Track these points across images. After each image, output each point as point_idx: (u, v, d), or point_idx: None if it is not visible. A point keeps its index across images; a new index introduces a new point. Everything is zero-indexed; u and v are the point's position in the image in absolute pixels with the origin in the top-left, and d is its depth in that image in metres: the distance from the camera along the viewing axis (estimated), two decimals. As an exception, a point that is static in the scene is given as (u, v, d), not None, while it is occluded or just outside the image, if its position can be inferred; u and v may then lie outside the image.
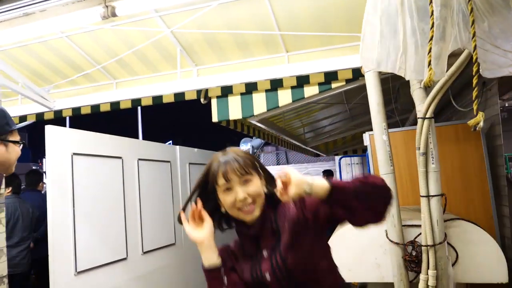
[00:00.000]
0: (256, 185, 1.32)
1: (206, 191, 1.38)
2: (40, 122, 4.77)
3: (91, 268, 3.37)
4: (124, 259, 3.78)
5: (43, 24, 2.71)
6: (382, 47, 1.50)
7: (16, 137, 1.75)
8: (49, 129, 3.19)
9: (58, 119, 4.98)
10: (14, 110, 4.45)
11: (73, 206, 3.26)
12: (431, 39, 1.31)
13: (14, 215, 4.48)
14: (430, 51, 1.31)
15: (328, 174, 9.07)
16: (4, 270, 2.54)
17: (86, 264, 3.32)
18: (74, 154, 3.34)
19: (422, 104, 2.32)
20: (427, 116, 2.27)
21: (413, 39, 1.46)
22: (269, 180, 1.38)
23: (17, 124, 1.78)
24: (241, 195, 1.29)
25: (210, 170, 1.36)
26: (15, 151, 1.74)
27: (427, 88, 2.39)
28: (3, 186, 2.55)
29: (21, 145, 1.78)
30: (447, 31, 1.28)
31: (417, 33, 1.43)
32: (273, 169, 13.45)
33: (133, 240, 3.95)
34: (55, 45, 3.66)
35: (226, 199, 1.33)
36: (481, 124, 1.17)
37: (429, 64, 1.30)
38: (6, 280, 2.55)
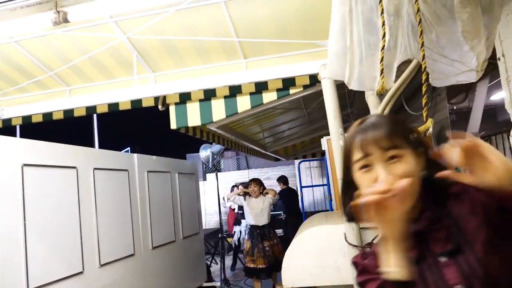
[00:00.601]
0: (408, 164, 0.89)
1: (347, 173, 1.01)
2: (-14, 131, 4.53)
3: (44, 284, 3.22)
4: (80, 272, 3.65)
5: (-11, 29, 2.58)
6: (333, 55, 1.54)
7: None
8: (-3, 139, 3.04)
9: (7, 128, 4.73)
10: (-42, 119, 4.20)
11: (24, 220, 3.12)
12: (383, 48, 1.36)
13: None
14: (382, 60, 1.35)
15: (283, 180, 9.08)
16: None
17: (39, 280, 3.17)
18: (25, 165, 3.20)
19: (376, 110, 2.40)
20: (381, 121, 2.35)
21: (358, 50, 1.51)
22: (431, 160, 0.93)
23: None
24: (383, 176, 0.89)
25: (345, 141, 1.02)
26: None
27: (377, 95, 2.47)
28: None
29: None
30: (398, 41, 1.33)
31: (362, 44, 1.47)
32: (233, 175, 13.42)
33: (90, 253, 3.82)
34: (3, 50, 3.49)
35: (362, 181, 0.94)
36: (431, 130, 1.22)
37: (382, 72, 1.34)
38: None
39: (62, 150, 3.71)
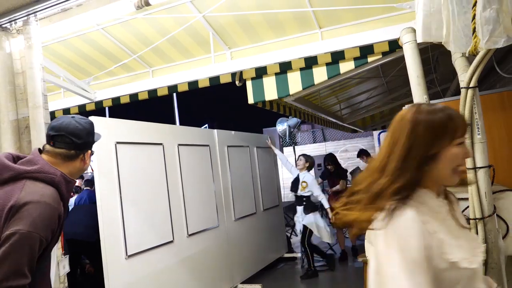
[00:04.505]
0: None
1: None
2: (82, 113, 4.96)
3: (140, 251, 3.52)
4: (171, 242, 3.91)
5: (80, 18, 2.79)
6: (428, 16, 1.45)
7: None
8: (93, 120, 3.30)
9: (99, 110, 5.14)
10: (58, 103, 4.63)
11: (120, 193, 3.40)
12: (474, 4, 1.25)
13: None
14: (474, 17, 1.25)
15: (365, 154, 8.74)
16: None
17: (136, 248, 3.47)
18: (118, 142, 3.46)
19: (465, 74, 2.23)
20: (470, 85, 2.18)
21: (451, 8, 1.40)
22: None
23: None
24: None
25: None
26: (90, 158, 1.87)
27: (469, 56, 2.29)
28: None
29: (93, 153, 1.89)
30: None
31: (453, 2, 1.36)
32: (310, 148, 13.37)
33: (178, 224, 4.08)
34: (92, 37, 3.75)
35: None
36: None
37: (474, 31, 1.24)
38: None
39: (149, 128, 3.96)
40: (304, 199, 5.64)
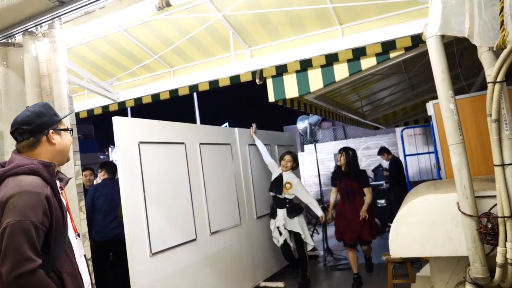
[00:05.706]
0: None
1: None
2: (105, 114, 5.05)
3: (164, 249, 3.56)
4: (194, 240, 3.95)
5: (102, 21, 2.83)
6: (448, 8, 1.41)
7: (64, 125, 1.95)
8: (117, 120, 3.36)
9: (121, 110, 5.22)
10: (82, 104, 4.73)
11: (144, 192, 3.45)
12: (502, -3, 1.22)
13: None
14: (502, 10, 1.22)
15: (386, 151, 8.60)
16: (88, 253, 2.74)
17: (160, 245, 3.51)
18: (141, 142, 3.51)
19: (491, 68, 2.16)
20: (498, 80, 2.12)
21: (475, 0, 1.36)
22: None
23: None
24: None
25: None
26: (68, 138, 1.93)
27: (496, 50, 2.23)
28: (80, 176, 2.74)
29: (70, 131, 1.96)
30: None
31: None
32: (331, 145, 13.27)
33: (201, 222, 4.11)
34: (114, 39, 3.81)
35: None
36: None
37: (502, 24, 1.21)
38: (90, 263, 2.76)
39: (171, 128, 4.00)
40: (287, 201, 5.01)
